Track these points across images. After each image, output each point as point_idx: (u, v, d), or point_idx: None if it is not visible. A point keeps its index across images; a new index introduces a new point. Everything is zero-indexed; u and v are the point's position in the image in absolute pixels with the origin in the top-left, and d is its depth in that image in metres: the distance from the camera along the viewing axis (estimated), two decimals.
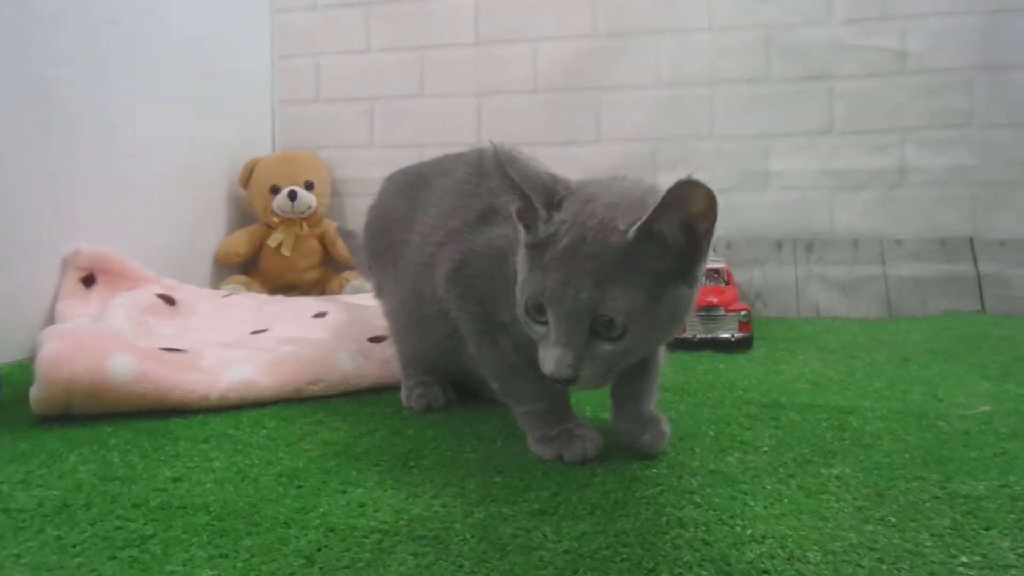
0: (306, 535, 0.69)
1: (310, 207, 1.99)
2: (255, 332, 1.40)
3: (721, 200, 0.69)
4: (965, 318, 1.69)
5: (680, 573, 0.61)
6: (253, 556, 0.65)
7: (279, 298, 1.77)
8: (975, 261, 1.78)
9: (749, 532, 0.68)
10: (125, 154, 1.65)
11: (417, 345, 1.07)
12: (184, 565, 0.63)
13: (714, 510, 0.73)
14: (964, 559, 0.63)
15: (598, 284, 0.71)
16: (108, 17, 1.60)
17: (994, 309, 1.75)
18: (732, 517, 0.71)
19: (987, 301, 1.76)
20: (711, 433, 0.97)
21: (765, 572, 0.61)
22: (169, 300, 1.45)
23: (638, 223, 0.71)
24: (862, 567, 0.61)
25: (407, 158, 2.05)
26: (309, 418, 1.05)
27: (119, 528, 0.70)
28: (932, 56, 1.79)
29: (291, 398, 1.12)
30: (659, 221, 0.70)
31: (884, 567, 0.61)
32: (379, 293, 1.19)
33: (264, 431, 0.99)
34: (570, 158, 1.94)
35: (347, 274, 2.04)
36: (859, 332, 1.62)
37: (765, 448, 0.91)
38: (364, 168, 2.14)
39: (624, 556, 0.64)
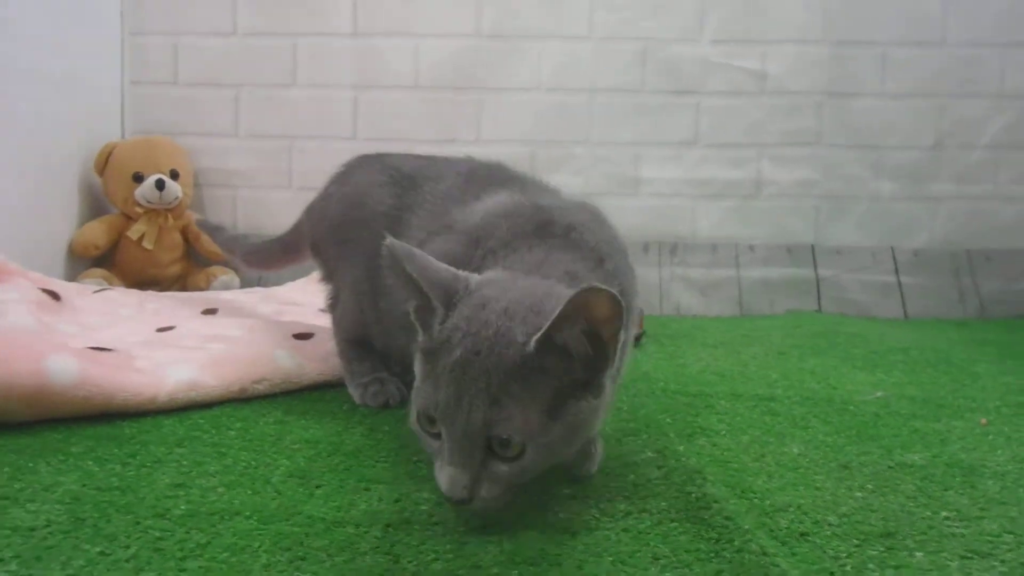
0: (372, 533, 0.71)
1: (177, 197, 1.88)
2: (161, 330, 1.32)
3: (623, 304, 0.67)
4: (808, 316, 1.98)
5: (744, 540, 0.71)
6: (331, 556, 0.66)
7: (154, 294, 1.67)
8: (815, 266, 2.09)
9: (769, 503, 0.81)
10: None
11: (384, 330, 1.08)
12: (267, 570, 0.63)
13: (727, 486, 0.85)
14: (944, 514, 0.79)
15: (493, 401, 0.68)
16: None
17: (829, 309, 2.07)
18: (746, 491, 0.83)
19: (823, 302, 2.08)
20: (668, 421, 1.09)
21: (804, 534, 0.74)
22: (54, 295, 1.33)
23: (538, 334, 0.68)
24: (873, 525, 0.76)
25: (277, 149, 2.05)
26: (268, 417, 1.04)
27: (162, 539, 0.69)
28: (788, 80, 2.06)
29: (236, 398, 1.10)
30: (560, 331, 0.68)
31: (889, 524, 0.76)
32: (330, 278, 1.19)
33: (232, 432, 0.98)
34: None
35: (213, 269, 1.96)
36: (723, 329, 1.83)
37: (723, 432, 1.05)
38: (227, 158, 2.07)
39: (682, 531, 0.73)
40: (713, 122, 2.06)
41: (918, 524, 0.76)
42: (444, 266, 0.76)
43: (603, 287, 0.65)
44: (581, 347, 0.70)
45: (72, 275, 1.83)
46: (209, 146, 2.05)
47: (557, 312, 0.66)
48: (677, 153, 2.07)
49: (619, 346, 0.72)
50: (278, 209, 2.05)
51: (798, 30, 2.04)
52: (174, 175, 1.91)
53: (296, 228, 1.33)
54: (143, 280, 1.88)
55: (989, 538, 0.74)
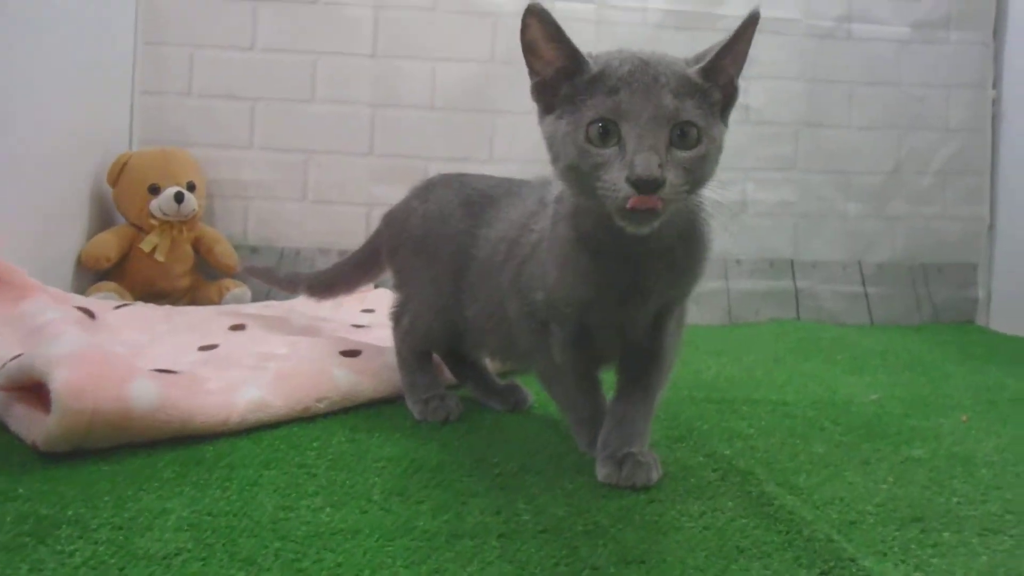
0: (490, 543, 0.72)
1: (194, 210, 1.81)
2: (204, 348, 1.27)
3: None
4: (790, 324, 2.04)
5: (811, 530, 0.77)
6: (464, 567, 0.67)
7: (176, 308, 1.61)
8: (794, 278, 2.16)
9: (817, 497, 0.86)
10: None
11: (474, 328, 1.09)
12: None
13: (778, 484, 0.89)
14: (955, 499, 0.88)
15: (676, 95, 0.76)
16: None
17: (806, 317, 2.14)
18: (795, 488, 0.88)
19: (801, 311, 2.15)
20: (705, 427, 1.12)
21: (853, 522, 0.80)
22: (89, 313, 1.27)
23: (707, 58, 0.79)
24: (904, 512, 0.83)
25: (292, 163, 2.01)
26: (338, 436, 1.01)
27: (298, 560, 0.68)
28: (768, 111, 2.13)
29: (300, 417, 1.07)
30: (725, 56, 0.79)
31: (916, 511, 0.84)
32: (401, 287, 1.19)
33: (311, 452, 0.95)
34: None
35: (226, 282, 1.90)
36: (718, 337, 1.86)
37: (754, 435, 1.09)
38: (240, 170, 2.00)
39: (754, 525, 0.78)
40: None
41: (938, 509, 0.84)
42: None
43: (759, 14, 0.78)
44: (729, 74, 0.81)
45: (80, 288, 1.72)
46: (222, 157, 1.98)
47: (727, 41, 0.78)
48: None
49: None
50: (292, 221, 2.01)
51: (778, 68, 2.12)
52: (191, 187, 1.83)
53: (373, 239, 1.30)
54: (153, 293, 1.80)
55: (995, 517, 0.83)
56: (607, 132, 0.76)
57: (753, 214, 2.14)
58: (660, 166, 0.73)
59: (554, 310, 0.92)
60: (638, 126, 0.75)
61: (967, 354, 1.72)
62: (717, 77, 0.80)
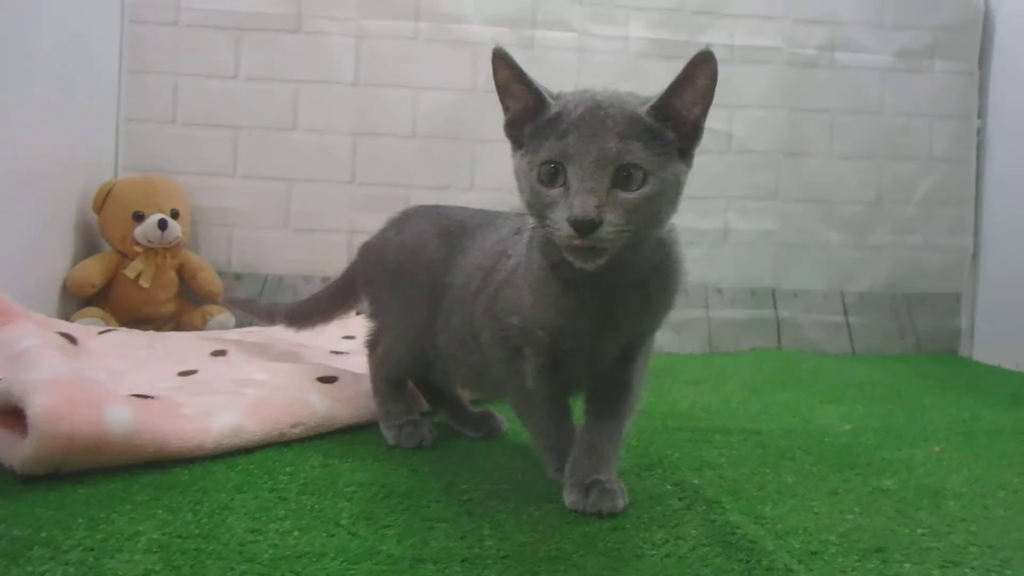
0: (452, 568, 0.75)
1: (177, 237, 1.86)
2: (183, 374, 1.31)
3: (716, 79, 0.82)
4: (771, 354, 2.08)
5: (771, 559, 0.79)
6: None
7: (158, 334, 1.65)
8: (775, 307, 2.20)
9: (780, 527, 0.89)
10: None
11: (445, 356, 1.13)
12: None
13: (743, 513, 0.92)
14: (920, 530, 0.90)
15: (622, 137, 0.79)
16: None
17: (788, 346, 2.18)
18: (759, 517, 0.91)
19: (783, 340, 2.19)
20: (676, 456, 1.15)
21: (814, 552, 0.83)
22: (71, 339, 1.30)
23: (657, 97, 0.81)
24: (867, 543, 0.85)
25: (275, 190, 2.05)
26: (312, 461, 1.05)
27: None
28: (750, 140, 2.18)
29: (275, 442, 1.10)
30: (677, 95, 0.81)
31: (879, 541, 0.86)
32: (376, 316, 1.23)
33: (284, 477, 0.99)
34: (444, 202, 2.02)
35: (209, 308, 1.94)
36: (698, 366, 1.89)
37: (725, 464, 1.12)
38: (223, 197, 2.04)
39: (715, 554, 0.81)
40: None
41: (902, 540, 0.86)
42: None
43: (713, 54, 0.80)
44: (685, 112, 0.82)
45: (65, 313, 1.76)
46: (205, 185, 2.02)
47: (675, 80, 0.80)
48: None
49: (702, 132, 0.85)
50: (274, 248, 2.05)
51: (760, 97, 2.17)
52: (175, 214, 1.88)
53: (349, 270, 1.34)
54: (137, 318, 1.84)
55: (958, 549, 0.85)
56: (555, 173, 0.81)
57: (735, 243, 2.19)
58: (597, 207, 0.78)
59: (528, 335, 0.96)
60: (581, 168, 0.79)
61: (946, 385, 1.75)
62: (672, 117, 0.82)
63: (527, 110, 0.86)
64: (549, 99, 0.84)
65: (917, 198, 2.25)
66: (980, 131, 2.25)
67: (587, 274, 0.86)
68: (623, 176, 0.80)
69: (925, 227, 2.25)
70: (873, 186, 2.24)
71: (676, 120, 0.83)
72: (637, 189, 0.80)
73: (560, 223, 0.80)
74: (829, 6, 2.21)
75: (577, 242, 0.79)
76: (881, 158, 2.23)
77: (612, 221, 0.79)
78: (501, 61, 0.85)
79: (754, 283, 2.20)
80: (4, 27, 1.53)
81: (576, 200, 0.78)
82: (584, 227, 0.78)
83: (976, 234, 2.26)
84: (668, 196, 0.83)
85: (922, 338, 2.23)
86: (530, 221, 0.96)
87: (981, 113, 2.25)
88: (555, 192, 0.81)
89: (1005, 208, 2.18)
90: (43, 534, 0.77)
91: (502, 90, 0.87)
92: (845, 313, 2.22)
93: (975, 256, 2.26)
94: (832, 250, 2.23)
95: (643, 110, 0.81)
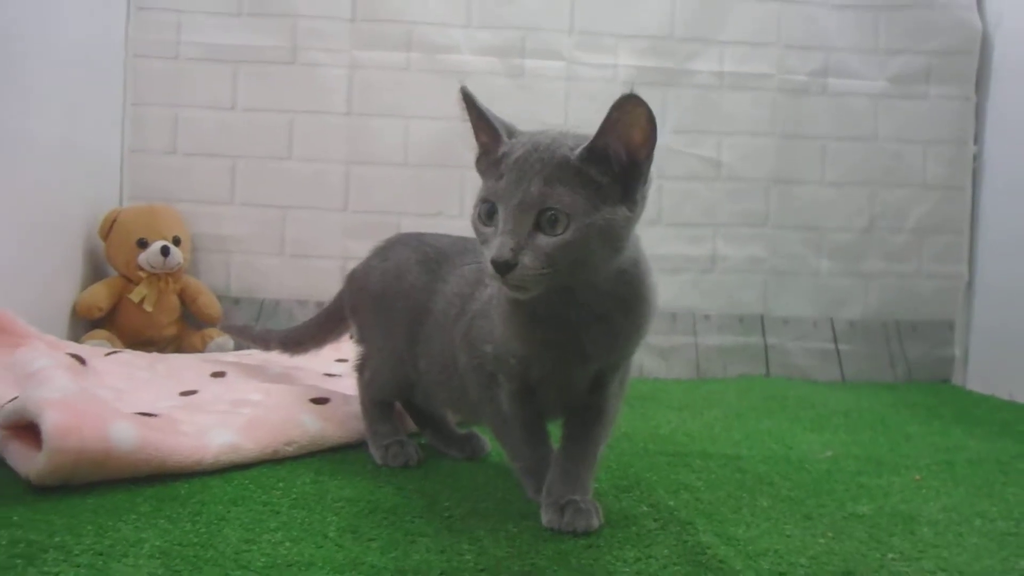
0: None
1: (179, 263, 1.99)
2: (184, 393, 1.41)
3: (655, 122, 0.86)
4: (758, 380, 2.17)
5: None
6: None
7: (161, 355, 1.76)
8: (764, 334, 2.29)
9: (751, 548, 0.95)
10: None
11: (425, 380, 1.22)
12: None
13: (715, 535, 0.99)
14: (891, 555, 0.96)
15: (547, 182, 0.85)
16: None
17: (776, 373, 2.27)
18: (731, 539, 0.98)
19: (771, 366, 2.27)
20: (654, 478, 1.23)
21: (782, 574, 0.89)
22: (80, 360, 1.41)
23: (585, 143, 0.86)
24: (835, 566, 0.91)
25: (271, 218, 2.17)
26: (303, 478, 1.15)
27: None
28: (739, 167, 2.27)
29: (269, 459, 1.20)
30: (605, 138, 0.86)
31: (848, 565, 0.92)
32: (363, 341, 1.32)
33: (276, 492, 1.08)
34: (435, 229, 2.11)
35: (209, 331, 2.06)
36: (684, 391, 1.98)
37: (702, 488, 1.19)
38: (221, 224, 2.17)
39: (684, 573, 0.87)
40: (673, 203, 2.24)
41: (871, 564, 0.92)
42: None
43: (641, 99, 0.83)
44: (619, 155, 0.86)
45: (74, 335, 1.89)
46: (205, 213, 2.15)
47: (601, 123, 0.84)
48: (641, 231, 2.24)
49: (649, 170, 0.89)
50: (270, 274, 2.17)
51: (749, 124, 2.26)
52: (176, 241, 2.00)
53: (337, 298, 1.44)
54: (141, 341, 1.96)
55: (927, 574, 0.89)
56: (491, 212, 0.89)
57: (723, 270, 2.27)
58: (513, 250, 0.85)
59: (501, 363, 1.04)
60: (507, 210, 0.87)
61: (934, 414, 1.79)
62: (607, 159, 0.87)
63: (487, 147, 0.95)
64: (504, 138, 0.92)
65: (910, 225, 2.31)
66: (976, 157, 2.28)
67: (549, 308, 0.94)
68: (546, 219, 0.86)
69: (918, 254, 2.31)
70: (865, 213, 2.30)
71: (613, 161, 0.87)
72: (560, 233, 0.86)
73: (486, 260, 0.87)
74: (821, 32, 2.28)
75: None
76: (874, 184, 2.30)
77: (527, 264, 0.85)
78: (465, 100, 0.94)
79: (743, 310, 2.28)
80: (14, 66, 1.66)
81: (496, 240, 0.86)
82: (500, 268, 0.85)
83: (971, 262, 2.30)
84: (598, 240, 0.87)
85: (914, 366, 2.30)
86: None
87: (978, 139, 2.28)
88: (488, 230, 0.89)
89: (1001, 235, 2.21)
90: (56, 539, 0.87)
91: (473, 126, 0.96)
92: (835, 340, 2.30)
93: (969, 284, 2.30)
94: (823, 277, 2.30)
95: (574, 154, 0.87)
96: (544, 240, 0.86)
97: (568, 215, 0.85)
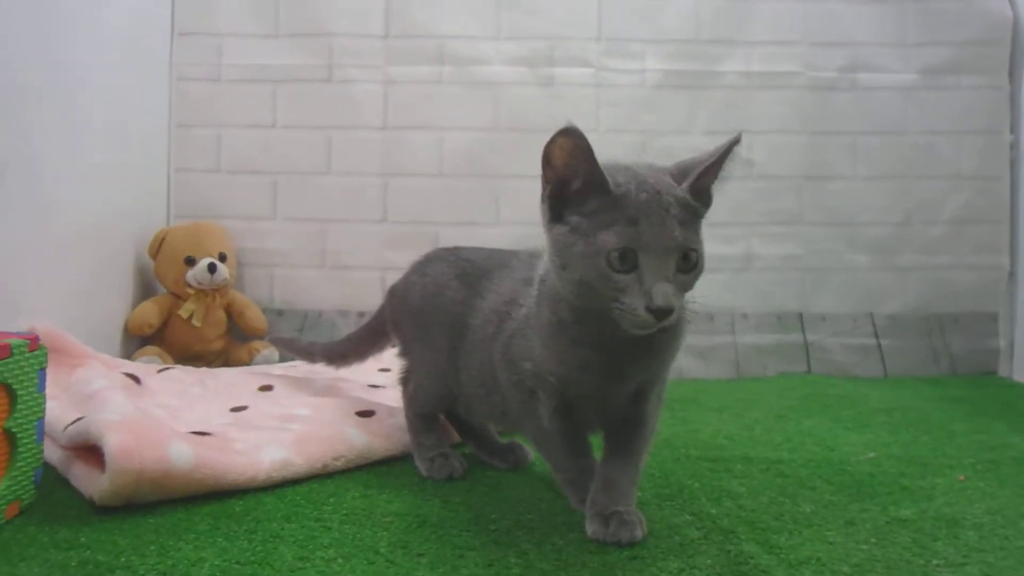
0: None
1: (226, 279, 2.03)
2: (235, 410, 1.44)
3: None
4: (799, 379, 2.15)
5: None
6: None
7: (210, 371, 1.80)
8: (803, 332, 2.27)
9: (794, 557, 0.95)
10: (35, 222, 1.61)
11: (468, 394, 1.23)
12: None
13: (757, 544, 0.99)
14: (936, 562, 0.94)
15: (682, 224, 0.88)
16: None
17: (817, 370, 2.24)
18: (774, 547, 0.98)
19: (812, 364, 2.25)
20: (696, 485, 1.23)
21: None
22: (135, 379, 1.45)
23: (691, 178, 0.91)
24: (878, 574, 0.91)
25: (311, 231, 2.21)
26: (352, 492, 1.16)
27: None
28: (771, 165, 2.26)
29: (319, 474, 1.22)
30: (708, 177, 0.92)
31: (892, 572, 0.91)
32: (406, 355, 1.35)
33: (327, 507, 1.10)
34: (471, 238, 2.14)
35: (255, 344, 2.10)
36: (723, 392, 1.97)
37: (744, 494, 1.18)
38: (264, 239, 2.22)
39: None
40: None
41: (915, 571, 0.91)
42: None
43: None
44: (708, 185, 0.93)
45: (126, 352, 1.95)
46: (248, 228, 2.20)
47: (708, 164, 0.91)
48: None
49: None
50: (312, 286, 2.22)
51: (779, 122, 2.25)
52: (222, 257, 2.05)
53: (379, 313, 1.46)
54: (190, 355, 2.01)
55: None
56: (626, 259, 0.87)
57: (758, 268, 2.26)
58: (675, 295, 0.86)
59: (541, 380, 1.05)
60: (655, 257, 0.87)
61: (978, 409, 1.76)
62: (699, 192, 0.92)
63: (582, 187, 0.91)
64: (611, 183, 0.89)
65: (945, 217, 2.28)
66: (1013, 146, 2.25)
67: (590, 332, 0.95)
68: (683, 258, 0.89)
69: (956, 247, 2.28)
70: (899, 207, 2.28)
71: (701, 193, 0.93)
72: (693, 269, 0.90)
73: (637, 309, 0.86)
74: (847, 28, 2.27)
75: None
76: (907, 178, 2.27)
77: (678, 306, 0.88)
78: (571, 139, 0.88)
79: (780, 308, 2.27)
80: (64, 92, 1.71)
81: (656, 290, 0.86)
82: (663, 315, 0.85)
83: (1013, 252, 2.27)
84: (701, 267, 0.92)
85: (957, 359, 2.26)
86: (540, 269, 1.06)
87: (1013, 128, 2.25)
88: (628, 278, 0.87)
89: None
90: (122, 559, 0.90)
91: (549, 163, 0.91)
92: (876, 336, 2.27)
93: (1012, 274, 2.26)
94: (859, 273, 2.28)
95: (687, 192, 0.90)
96: (683, 279, 0.90)
97: (698, 252, 0.90)
